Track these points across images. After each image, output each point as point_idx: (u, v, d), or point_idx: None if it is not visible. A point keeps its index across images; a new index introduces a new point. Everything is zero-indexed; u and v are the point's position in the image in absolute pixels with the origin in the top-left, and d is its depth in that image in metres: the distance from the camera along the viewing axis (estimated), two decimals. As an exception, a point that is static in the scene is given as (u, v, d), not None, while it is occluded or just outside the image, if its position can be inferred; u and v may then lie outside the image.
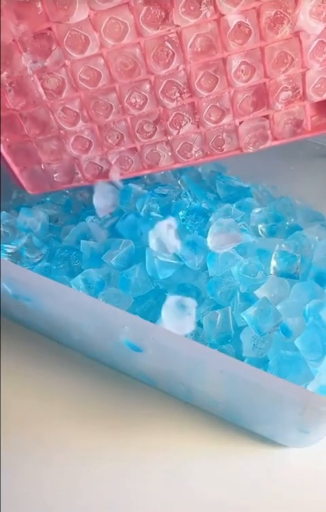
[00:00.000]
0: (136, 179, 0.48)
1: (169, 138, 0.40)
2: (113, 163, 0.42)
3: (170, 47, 0.35)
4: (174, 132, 0.39)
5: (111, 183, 0.44)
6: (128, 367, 0.43)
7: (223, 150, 0.41)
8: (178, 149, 0.40)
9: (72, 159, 0.41)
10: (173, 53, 0.36)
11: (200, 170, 0.51)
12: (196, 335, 0.39)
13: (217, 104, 0.38)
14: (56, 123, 0.39)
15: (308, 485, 0.39)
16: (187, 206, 0.43)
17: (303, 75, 0.37)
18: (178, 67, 0.36)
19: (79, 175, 0.43)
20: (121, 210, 0.46)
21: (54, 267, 0.43)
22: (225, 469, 0.40)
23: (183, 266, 0.41)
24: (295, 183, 0.49)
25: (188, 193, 0.45)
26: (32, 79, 0.37)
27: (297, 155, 0.45)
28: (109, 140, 0.40)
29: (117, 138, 0.40)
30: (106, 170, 0.42)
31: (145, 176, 0.49)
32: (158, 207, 0.44)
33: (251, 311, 0.37)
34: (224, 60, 0.36)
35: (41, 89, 0.37)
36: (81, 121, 0.39)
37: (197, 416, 0.42)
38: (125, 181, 0.47)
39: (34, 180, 0.44)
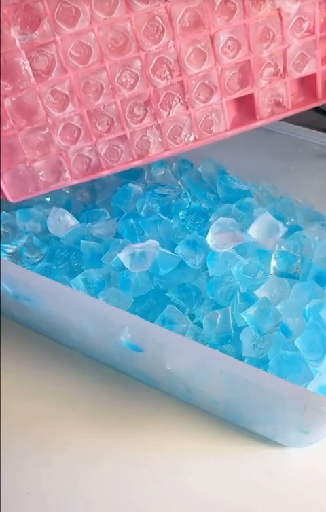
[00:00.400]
0: (136, 179, 0.49)
1: (159, 121, 0.40)
2: (102, 153, 0.41)
3: (160, 21, 0.36)
4: (165, 114, 0.40)
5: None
6: (128, 367, 0.43)
7: (211, 132, 0.41)
8: (168, 133, 0.40)
9: (58, 154, 0.40)
10: (163, 29, 0.36)
11: (200, 170, 0.51)
12: (196, 335, 0.39)
13: (206, 82, 0.39)
14: (44, 110, 0.38)
15: (308, 485, 0.39)
16: (187, 206, 0.43)
17: (284, 51, 0.39)
18: (168, 43, 0.37)
19: (67, 173, 0.41)
20: (121, 210, 0.46)
21: (54, 267, 0.43)
22: (225, 469, 0.40)
23: (183, 265, 0.41)
24: (295, 183, 0.49)
25: (188, 193, 0.45)
26: (20, 57, 0.36)
27: (297, 155, 0.45)
28: (99, 127, 0.39)
29: (107, 124, 0.39)
30: (94, 164, 0.41)
31: (145, 176, 0.49)
32: (158, 207, 0.44)
33: (251, 311, 0.37)
34: (212, 36, 0.37)
35: (29, 69, 0.36)
36: (70, 106, 0.38)
37: (197, 416, 0.42)
38: (125, 181, 0.48)
39: (16, 184, 0.40)
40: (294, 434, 0.39)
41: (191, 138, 0.41)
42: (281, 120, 0.45)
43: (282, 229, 0.43)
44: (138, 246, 0.40)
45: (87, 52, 0.36)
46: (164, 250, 0.40)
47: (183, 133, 0.40)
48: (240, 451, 0.41)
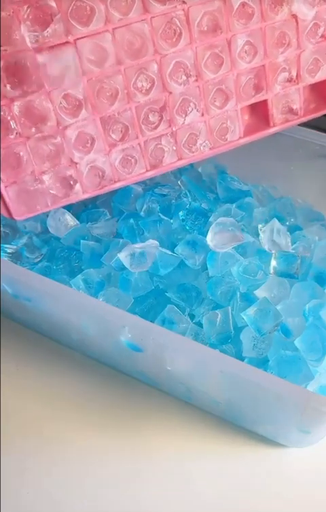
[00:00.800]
0: None
1: (174, 129, 0.38)
2: (115, 164, 0.38)
3: (178, 24, 0.35)
4: (180, 121, 0.38)
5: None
6: (128, 367, 0.43)
7: (226, 140, 0.41)
8: (183, 141, 0.39)
9: (70, 165, 0.37)
10: (180, 32, 0.36)
11: (200, 170, 0.51)
12: (196, 335, 0.39)
13: (223, 87, 0.38)
14: (55, 115, 0.35)
15: (308, 485, 0.39)
16: (187, 206, 0.43)
17: (299, 56, 0.39)
18: (185, 46, 0.36)
19: (78, 186, 0.38)
20: (121, 210, 0.46)
21: (54, 267, 0.43)
22: (225, 469, 0.40)
23: (183, 265, 0.41)
24: (295, 183, 0.49)
25: (188, 193, 0.45)
26: (30, 58, 0.33)
27: (297, 155, 0.45)
28: (113, 135, 0.37)
29: (121, 132, 0.37)
30: (108, 176, 0.39)
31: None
32: (158, 207, 0.44)
33: (251, 311, 0.37)
34: (229, 41, 0.37)
35: (40, 70, 0.34)
36: (83, 111, 0.36)
37: (198, 416, 0.42)
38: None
39: (23, 199, 0.37)
40: (294, 434, 0.39)
41: (207, 147, 0.40)
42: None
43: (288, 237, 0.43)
44: (138, 246, 0.40)
45: (103, 55, 0.35)
46: (164, 250, 0.40)
47: (199, 141, 0.40)
48: (240, 451, 0.41)
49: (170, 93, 0.37)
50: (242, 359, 0.37)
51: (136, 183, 0.46)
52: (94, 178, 0.38)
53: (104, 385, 0.44)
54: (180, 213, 0.43)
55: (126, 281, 0.40)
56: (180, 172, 0.50)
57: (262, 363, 0.37)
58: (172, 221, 0.43)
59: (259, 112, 0.41)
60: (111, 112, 0.37)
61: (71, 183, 0.38)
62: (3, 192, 0.36)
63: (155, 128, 0.38)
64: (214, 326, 0.38)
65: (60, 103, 0.35)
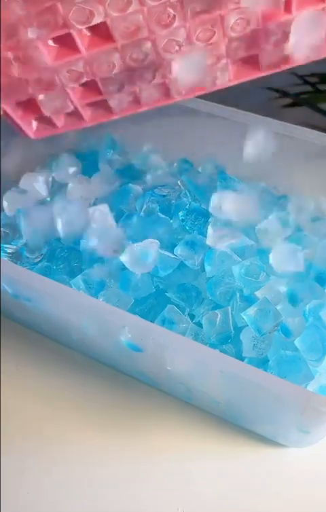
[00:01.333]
0: (136, 179, 0.49)
1: (167, 81, 0.41)
2: (112, 106, 0.43)
3: (172, 11, 0.36)
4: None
5: None
6: (128, 367, 0.43)
7: (216, 84, 0.42)
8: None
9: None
10: (174, 16, 0.37)
11: (200, 170, 0.51)
12: (196, 335, 0.39)
13: (214, 53, 0.39)
14: (60, 82, 0.40)
15: (308, 485, 0.39)
16: (187, 207, 0.43)
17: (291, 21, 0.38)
18: (178, 26, 0.37)
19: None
20: (122, 210, 0.46)
21: (54, 267, 0.43)
22: (225, 469, 0.40)
23: (183, 265, 0.41)
24: (295, 183, 0.48)
25: (188, 194, 0.45)
26: (37, 47, 0.37)
27: (297, 155, 0.45)
28: (110, 88, 0.41)
29: (118, 85, 0.41)
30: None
31: (145, 176, 0.49)
32: (158, 207, 0.44)
33: (251, 311, 0.37)
34: (222, 17, 0.37)
35: (46, 57, 0.38)
36: (84, 78, 0.40)
37: (197, 416, 0.42)
38: (125, 182, 0.48)
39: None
40: (294, 434, 0.39)
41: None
42: (281, 120, 0.45)
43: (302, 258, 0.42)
44: (138, 245, 0.40)
45: (102, 37, 0.37)
46: (163, 252, 0.40)
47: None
48: (240, 451, 0.41)
49: (164, 59, 0.39)
50: (242, 359, 0.37)
51: (136, 183, 0.47)
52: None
53: (104, 385, 0.44)
54: (180, 213, 0.43)
55: (127, 281, 0.40)
56: (180, 172, 0.50)
57: (262, 363, 0.37)
58: (172, 221, 0.43)
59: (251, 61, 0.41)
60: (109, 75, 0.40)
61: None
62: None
63: (150, 81, 0.41)
64: (214, 326, 0.38)
65: (64, 75, 0.40)
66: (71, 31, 0.36)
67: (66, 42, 0.37)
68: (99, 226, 0.43)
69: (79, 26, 0.36)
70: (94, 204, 0.46)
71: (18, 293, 0.40)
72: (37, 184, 0.49)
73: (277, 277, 0.41)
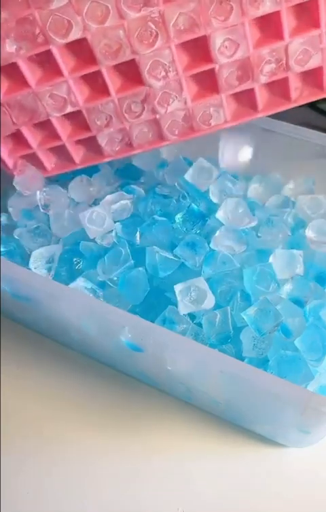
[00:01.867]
0: (137, 180, 0.49)
1: (157, 116, 0.40)
2: (102, 145, 0.42)
3: (153, 27, 0.35)
4: (162, 111, 0.39)
5: None
6: (128, 367, 0.43)
7: (210, 125, 0.41)
8: (166, 126, 0.41)
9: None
10: (156, 33, 0.36)
11: (200, 169, 0.50)
12: (196, 336, 0.39)
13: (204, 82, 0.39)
14: (45, 110, 0.39)
15: (308, 485, 0.39)
16: (186, 209, 0.43)
17: (286, 47, 0.37)
18: (162, 46, 0.36)
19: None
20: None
21: (58, 268, 0.43)
22: (225, 469, 0.40)
23: (183, 265, 0.41)
24: (295, 183, 0.48)
25: (187, 195, 0.45)
26: (20, 66, 0.36)
27: (297, 155, 0.45)
28: (98, 122, 0.40)
29: (106, 119, 0.40)
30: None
31: (145, 177, 0.49)
32: (158, 207, 0.44)
33: (251, 311, 0.37)
34: (208, 37, 0.36)
35: (30, 77, 0.37)
36: (69, 106, 0.39)
37: (197, 416, 0.42)
38: (126, 182, 0.47)
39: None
40: (294, 434, 0.39)
41: (189, 130, 0.41)
42: (281, 120, 0.45)
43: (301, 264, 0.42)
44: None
45: (82, 59, 0.37)
46: (164, 253, 0.40)
47: (181, 125, 0.41)
48: (240, 451, 0.41)
49: (151, 87, 0.38)
50: (242, 359, 0.37)
51: (137, 184, 0.47)
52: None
53: (104, 385, 0.44)
54: (178, 216, 0.43)
55: (126, 282, 0.40)
56: (179, 172, 0.50)
57: (262, 363, 0.37)
58: (172, 221, 0.43)
59: (246, 99, 0.41)
60: (94, 104, 0.39)
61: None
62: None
63: (138, 116, 0.40)
64: (214, 326, 0.38)
65: (48, 101, 0.39)
66: (51, 47, 0.35)
67: (48, 61, 0.37)
68: (98, 227, 0.43)
69: (59, 40, 0.35)
70: (94, 204, 0.46)
71: (18, 293, 0.40)
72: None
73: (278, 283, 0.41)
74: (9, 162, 0.43)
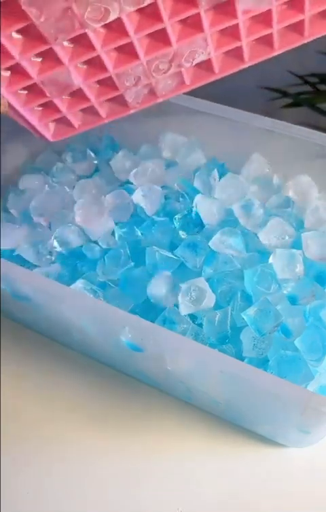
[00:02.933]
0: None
1: (182, 70, 0.41)
2: (129, 100, 0.42)
3: None
4: (188, 65, 0.40)
5: None
6: (128, 367, 0.43)
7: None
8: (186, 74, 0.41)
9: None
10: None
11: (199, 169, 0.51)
12: (196, 336, 0.39)
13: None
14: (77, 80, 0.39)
15: (308, 485, 0.39)
16: (185, 210, 0.43)
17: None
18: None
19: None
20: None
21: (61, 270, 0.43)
22: (225, 469, 0.40)
23: (183, 265, 0.41)
24: (295, 183, 0.48)
25: (186, 195, 0.45)
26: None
27: (297, 155, 0.45)
28: (126, 83, 0.40)
29: (135, 80, 0.40)
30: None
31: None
32: (158, 208, 0.44)
33: (251, 311, 0.37)
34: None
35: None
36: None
37: (197, 416, 0.42)
38: (125, 182, 0.48)
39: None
40: (294, 434, 0.39)
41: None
42: (281, 120, 0.45)
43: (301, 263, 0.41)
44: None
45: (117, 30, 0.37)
46: (164, 252, 0.40)
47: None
48: (240, 451, 0.41)
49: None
50: (242, 359, 0.37)
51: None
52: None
53: (104, 385, 0.44)
54: (178, 216, 0.43)
55: (127, 282, 0.40)
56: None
57: (262, 363, 0.37)
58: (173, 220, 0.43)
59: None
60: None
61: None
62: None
63: (165, 72, 0.41)
64: (213, 325, 0.38)
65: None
66: (87, 31, 0.36)
67: (80, 41, 0.37)
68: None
69: (95, 25, 0.35)
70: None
71: (18, 293, 0.40)
72: (36, 185, 0.49)
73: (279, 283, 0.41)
74: (42, 129, 0.43)
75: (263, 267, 0.39)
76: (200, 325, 0.39)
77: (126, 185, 0.46)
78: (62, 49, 0.37)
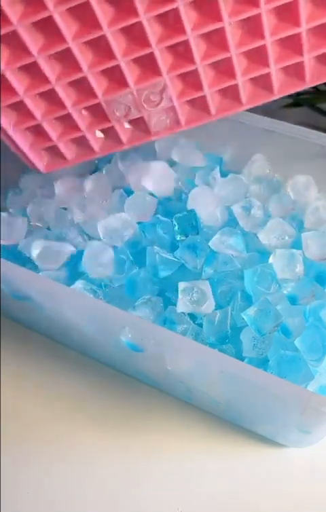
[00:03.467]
0: None
1: (174, 104, 0.40)
2: (121, 134, 0.42)
3: None
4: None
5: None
6: (128, 367, 0.43)
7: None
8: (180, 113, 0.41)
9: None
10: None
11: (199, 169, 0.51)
12: (196, 336, 0.39)
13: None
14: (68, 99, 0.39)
15: (308, 485, 0.39)
16: (185, 212, 0.43)
17: None
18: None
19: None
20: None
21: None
22: (225, 469, 0.40)
23: (183, 266, 0.41)
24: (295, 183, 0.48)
25: (185, 196, 0.45)
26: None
27: (297, 155, 0.45)
28: (117, 113, 0.40)
29: (125, 110, 0.40)
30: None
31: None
32: (159, 208, 0.44)
33: (251, 311, 0.37)
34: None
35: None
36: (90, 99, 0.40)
37: (197, 416, 0.42)
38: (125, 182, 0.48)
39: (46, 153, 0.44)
40: (294, 434, 0.39)
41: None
42: (281, 120, 0.45)
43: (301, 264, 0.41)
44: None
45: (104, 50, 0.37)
46: (164, 254, 0.40)
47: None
48: (240, 451, 0.41)
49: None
50: (242, 359, 0.37)
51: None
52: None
53: (104, 385, 0.44)
54: (177, 216, 0.43)
55: (133, 285, 0.40)
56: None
57: (262, 363, 0.37)
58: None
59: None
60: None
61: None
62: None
63: (157, 105, 0.40)
64: (213, 325, 0.38)
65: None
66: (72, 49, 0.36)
67: (66, 57, 0.37)
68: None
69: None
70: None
71: (18, 293, 0.40)
72: (36, 184, 0.49)
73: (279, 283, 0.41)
74: (34, 157, 0.44)
75: (263, 267, 0.39)
76: (200, 325, 0.39)
77: (126, 186, 0.46)
78: (49, 66, 0.37)
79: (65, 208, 0.46)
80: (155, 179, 0.44)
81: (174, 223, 0.42)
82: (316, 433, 0.38)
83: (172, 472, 0.40)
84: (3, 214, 0.45)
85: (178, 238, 0.42)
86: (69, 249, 0.42)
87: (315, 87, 0.77)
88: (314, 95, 0.78)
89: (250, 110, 0.46)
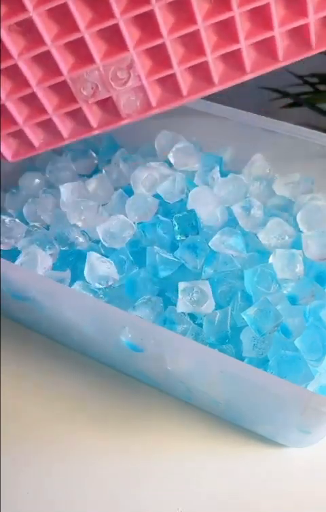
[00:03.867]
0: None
1: (143, 83, 0.38)
2: (90, 117, 0.40)
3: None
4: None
5: None
6: (128, 367, 0.43)
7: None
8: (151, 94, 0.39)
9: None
10: None
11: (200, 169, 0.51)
12: (196, 336, 0.39)
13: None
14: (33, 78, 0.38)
15: (308, 485, 0.39)
16: (185, 212, 0.43)
17: None
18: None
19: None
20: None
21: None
22: (225, 469, 0.40)
23: (183, 266, 0.41)
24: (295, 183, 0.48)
25: (185, 196, 0.45)
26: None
27: (297, 155, 0.45)
28: (84, 93, 0.38)
29: (92, 88, 0.38)
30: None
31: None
32: (159, 208, 0.44)
33: (251, 311, 0.37)
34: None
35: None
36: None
37: (197, 416, 0.42)
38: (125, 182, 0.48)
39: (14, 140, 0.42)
40: (294, 434, 0.39)
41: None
42: (281, 120, 0.45)
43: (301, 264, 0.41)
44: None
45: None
46: (164, 254, 0.40)
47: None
48: (240, 451, 0.41)
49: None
50: (242, 359, 0.37)
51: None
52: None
53: (104, 385, 0.44)
54: (176, 216, 0.43)
55: (133, 286, 0.40)
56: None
57: (262, 363, 0.37)
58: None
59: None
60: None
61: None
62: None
63: (124, 84, 0.38)
64: (213, 325, 0.38)
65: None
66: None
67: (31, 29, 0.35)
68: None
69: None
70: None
71: (18, 293, 0.40)
72: (36, 184, 0.49)
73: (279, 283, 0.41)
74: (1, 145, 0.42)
75: (263, 267, 0.39)
76: (200, 325, 0.39)
77: (127, 186, 0.46)
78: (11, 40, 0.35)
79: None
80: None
81: (174, 223, 0.42)
82: (316, 433, 0.38)
83: (172, 472, 0.40)
84: (3, 216, 0.45)
85: (178, 238, 0.42)
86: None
87: (315, 87, 0.78)
88: (314, 95, 0.78)
89: (250, 110, 0.46)
